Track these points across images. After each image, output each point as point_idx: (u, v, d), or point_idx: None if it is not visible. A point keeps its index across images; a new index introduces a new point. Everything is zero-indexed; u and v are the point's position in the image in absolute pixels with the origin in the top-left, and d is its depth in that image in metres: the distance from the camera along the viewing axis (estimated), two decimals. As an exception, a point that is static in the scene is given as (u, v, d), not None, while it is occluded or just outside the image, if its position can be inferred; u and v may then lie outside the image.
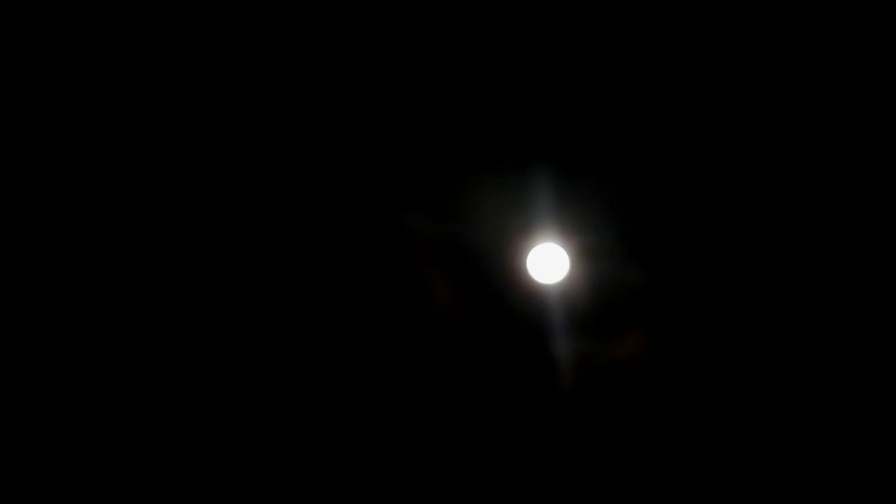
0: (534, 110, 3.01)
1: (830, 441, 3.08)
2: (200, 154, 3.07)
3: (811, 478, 3.07)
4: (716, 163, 3.02)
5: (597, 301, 3.06)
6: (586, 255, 3.03)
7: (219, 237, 3.12)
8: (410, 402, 3.17)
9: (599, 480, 3.14)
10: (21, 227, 3.08)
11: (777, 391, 3.10)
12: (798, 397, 3.09)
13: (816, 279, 3.07)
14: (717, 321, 3.11)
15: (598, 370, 3.13)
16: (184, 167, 3.08)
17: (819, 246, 3.04)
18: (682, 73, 2.95)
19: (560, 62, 2.95)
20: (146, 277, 3.13)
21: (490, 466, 3.16)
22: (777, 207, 3.04)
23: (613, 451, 3.15)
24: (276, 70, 2.99)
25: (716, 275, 3.10)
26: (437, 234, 3.08)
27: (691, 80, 2.95)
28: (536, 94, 2.99)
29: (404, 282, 3.14)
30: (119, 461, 3.14)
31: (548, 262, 3.04)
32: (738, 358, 3.11)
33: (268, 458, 3.17)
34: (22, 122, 3.03)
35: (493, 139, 3.03)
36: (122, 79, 3.00)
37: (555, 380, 3.13)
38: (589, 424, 3.16)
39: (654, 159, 3.03)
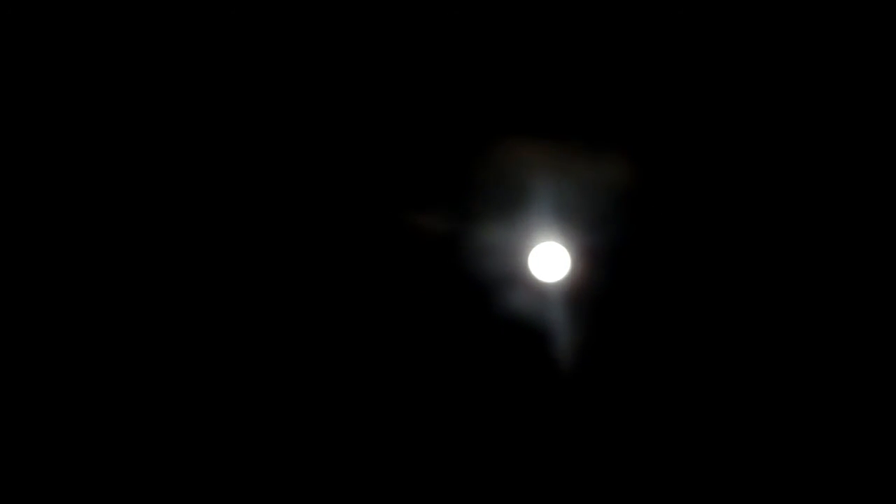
0: (535, 113, 3.03)
1: (825, 430, 3.13)
2: (207, 153, 3.07)
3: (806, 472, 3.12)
4: (714, 162, 3.06)
5: (598, 299, 3.10)
6: (588, 254, 3.06)
7: (223, 236, 3.12)
8: (414, 397, 3.18)
9: (598, 470, 3.17)
10: (21, 226, 3.07)
11: (773, 393, 3.15)
12: (789, 399, 3.15)
13: (809, 276, 3.12)
14: (716, 320, 3.15)
15: (597, 366, 3.17)
16: (192, 168, 3.08)
17: (812, 243, 3.09)
18: (680, 76, 2.98)
19: (561, 65, 2.97)
20: (153, 280, 3.13)
21: (492, 459, 3.18)
22: (774, 205, 3.08)
23: (613, 443, 3.18)
24: (282, 72, 2.99)
25: (713, 273, 3.14)
26: (440, 233, 3.10)
27: (689, 82, 2.99)
28: (538, 97, 3.01)
29: (407, 280, 3.15)
30: (119, 459, 3.13)
31: (550, 262, 3.06)
32: (738, 356, 3.16)
33: (274, 449, 3.18)
34: (23, 123, 3.02)
35: (495, 141, 3.05)
36: (142, 82, 2.99)
37: (555, 375, 3.16)
38: (589, 419, 3.19)
39: (654, 159, 3.06)
